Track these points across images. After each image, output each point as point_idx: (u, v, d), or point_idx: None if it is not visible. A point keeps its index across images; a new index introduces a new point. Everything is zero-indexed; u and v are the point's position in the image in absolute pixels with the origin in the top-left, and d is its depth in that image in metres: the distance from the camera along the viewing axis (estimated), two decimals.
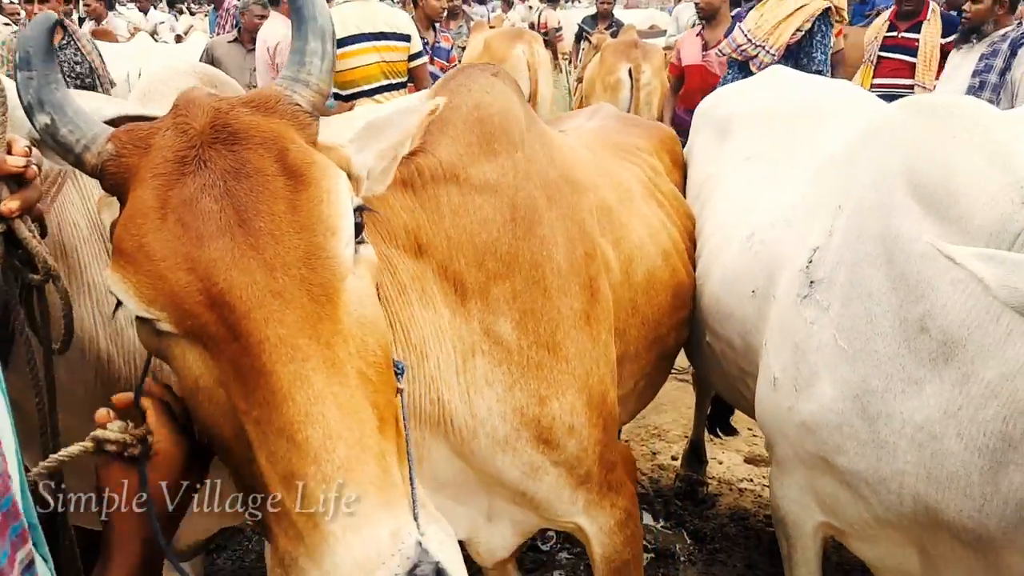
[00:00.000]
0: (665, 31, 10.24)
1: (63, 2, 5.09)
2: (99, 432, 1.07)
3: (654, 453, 4.52)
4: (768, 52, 4.23)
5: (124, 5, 12.46)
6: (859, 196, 1.68)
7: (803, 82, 2.51)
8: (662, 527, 3.88)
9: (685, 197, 2.71)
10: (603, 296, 2.01)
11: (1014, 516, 1.36)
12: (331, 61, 1.23)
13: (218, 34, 7.84)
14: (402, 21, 4.48)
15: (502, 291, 1.76)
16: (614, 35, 8.33)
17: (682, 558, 3.64)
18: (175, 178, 1.05)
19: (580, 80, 8.26)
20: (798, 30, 4.09)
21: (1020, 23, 4.38)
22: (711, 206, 2.46)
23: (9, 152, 1.14)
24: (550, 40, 11.10)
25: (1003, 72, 3.93)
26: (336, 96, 4.51)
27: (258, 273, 1.01)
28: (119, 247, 1.04)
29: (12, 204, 1.12)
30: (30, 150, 1.17)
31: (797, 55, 4.14)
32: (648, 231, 2.28)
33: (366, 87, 4.48)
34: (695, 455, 3.81)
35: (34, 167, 1.16)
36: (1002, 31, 4.15)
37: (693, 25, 6.51)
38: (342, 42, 4.27)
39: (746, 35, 4.19)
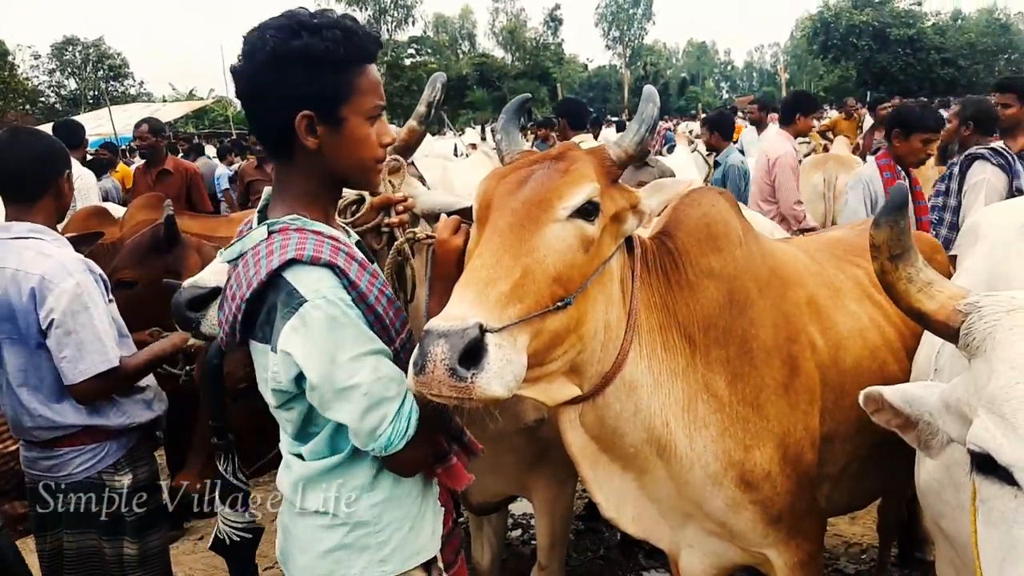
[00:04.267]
0: None
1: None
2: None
3: None
4: None
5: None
6: None
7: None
8: None
9: None
10: (805, 373, 2.30)
11: None
12: (642, 138, 1.98)
13: None
14: None
15: (719, 355, 2.17)
16: None
17: None
18: (520, 166, 1.92)
19: None
20: None
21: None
22: None
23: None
24: None
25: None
26: None
27: (512, 200, 1.80)
28: (476, 191, 1.93)
29: (394, 219, 2.18)
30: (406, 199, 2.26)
31: None
32: (857, 325, 2.53)
33: None
34: None
35: (412, 201, 2.28)
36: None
37: None
38: None
39: None
